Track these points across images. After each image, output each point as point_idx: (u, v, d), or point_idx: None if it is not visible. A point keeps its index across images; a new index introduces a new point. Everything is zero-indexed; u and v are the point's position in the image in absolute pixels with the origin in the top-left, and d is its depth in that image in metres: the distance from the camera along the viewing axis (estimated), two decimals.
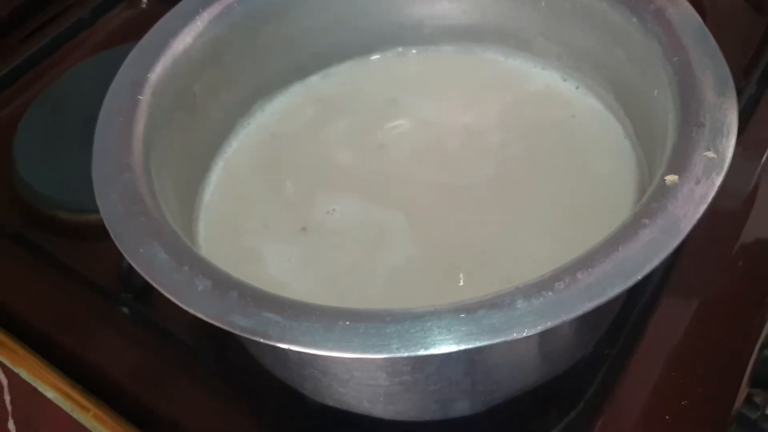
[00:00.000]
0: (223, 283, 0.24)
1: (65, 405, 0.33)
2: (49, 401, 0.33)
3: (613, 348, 0.34)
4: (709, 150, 0.25)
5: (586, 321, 0.28)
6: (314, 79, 0.38)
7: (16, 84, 0.51)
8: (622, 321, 0.34)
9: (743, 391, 0.36)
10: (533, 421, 0.33)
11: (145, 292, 0.39)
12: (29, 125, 0.47)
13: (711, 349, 0.34)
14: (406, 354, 0.21)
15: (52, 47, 0.53)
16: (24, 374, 0.34)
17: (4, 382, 0.34)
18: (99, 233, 0.42)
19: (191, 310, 0.23)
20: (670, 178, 0.25)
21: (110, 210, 0.26)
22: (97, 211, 0.42)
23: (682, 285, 0.36)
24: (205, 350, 0.36)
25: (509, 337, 0.21)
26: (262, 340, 0.22)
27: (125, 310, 0.38)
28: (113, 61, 0.50)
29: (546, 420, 0.33)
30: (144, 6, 0.57)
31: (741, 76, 0.45)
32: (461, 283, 0.30)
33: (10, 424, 0.33)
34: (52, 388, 0.33)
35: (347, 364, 0.26)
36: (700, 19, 0.30)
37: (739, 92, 0.42)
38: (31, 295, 0.39)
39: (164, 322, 0.37)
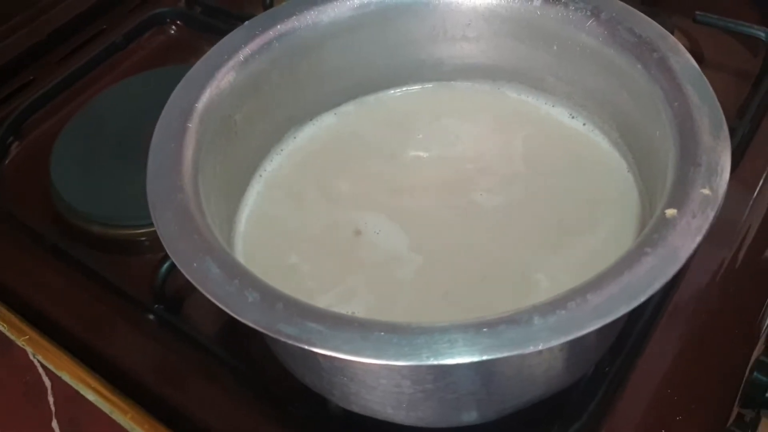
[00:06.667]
0: (270, 296, 0.26)
1: (105, 407, 0.35)
2: (91, 403, 0.35)
3: (613, 366, 0.36)
4: (705, 187, 0.28)
5: (592, 338, 0.30)
6: (341, 110, 0.41)
7: (53, 102, 0.54)
8: (622, 341, 0.37)
9: (734, 410, 0.38)
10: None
11: (175, 304, 0.41)
12: (65, 142, 0.49)
13: (704, 369, 0.37)
14: (435, 362, 0.24)
15: (88, 68, 0.56)
16: (66, 377, 0.36)
17: (48, 384, 0.36)
18: (128, 246, 0.45)
19: (243, 320, 0.25)
20: (670, 212, 0.27)
21: (166, 228, 0.28)
22: (126, 226, 0.45)
23: (678, 309, 0.38)
24: (233, 359, 0.39)
25: (527, 350, 0.24)
26: (306, 347, 0.25)
27: (153, 317, 0.41)
28: (144, 83, 0.54)
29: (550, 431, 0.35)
30: (173, 32, 0.60)
31: (735, 115, 0.48)
32: (459, 305, 0.32)
33: (54, 424, 0.35)
34: (92, 391, 0.35)
35: (376, 372, 0.28)
36: (698, 68, 0.32)
37: (733, 130, 0.45)
38: (69, 304, 0.41)
39: (193, 331, 0.40)
